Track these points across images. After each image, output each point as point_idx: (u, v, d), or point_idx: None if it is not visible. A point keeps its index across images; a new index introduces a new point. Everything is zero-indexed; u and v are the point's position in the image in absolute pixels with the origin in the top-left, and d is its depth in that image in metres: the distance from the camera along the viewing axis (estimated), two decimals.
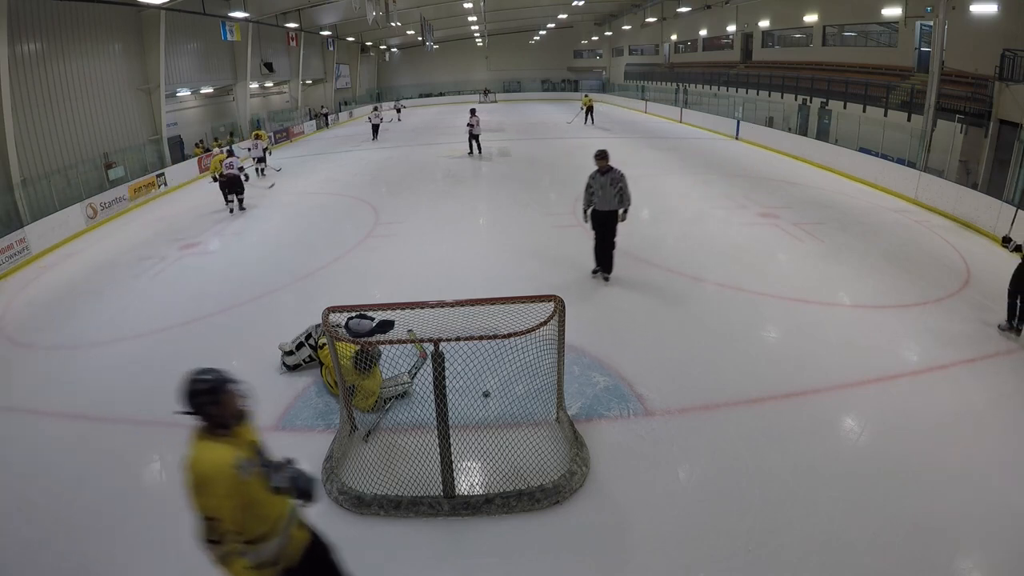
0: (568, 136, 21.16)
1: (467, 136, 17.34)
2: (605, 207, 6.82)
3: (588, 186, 6.87)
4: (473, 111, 17.62)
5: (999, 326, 5.98)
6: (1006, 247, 5.93)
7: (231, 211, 11.96)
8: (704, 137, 20.22)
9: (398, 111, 32.09)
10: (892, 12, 15.84)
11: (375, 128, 22.88)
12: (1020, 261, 5.69)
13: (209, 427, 2.23)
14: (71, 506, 3.91)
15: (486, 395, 4.60)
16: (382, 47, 41.73)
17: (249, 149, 16.04)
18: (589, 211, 6.95)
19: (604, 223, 6.94)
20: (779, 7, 22.16)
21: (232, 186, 11.82)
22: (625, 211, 6.89)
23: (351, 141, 23.12)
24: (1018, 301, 5.75)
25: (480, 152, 17.29)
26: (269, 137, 18.62)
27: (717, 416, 4.55)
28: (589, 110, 25.01)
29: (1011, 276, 5.77)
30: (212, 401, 2.20)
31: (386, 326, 5.55)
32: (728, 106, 21.31)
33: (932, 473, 3.87)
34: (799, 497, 3.69)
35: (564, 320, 3.92)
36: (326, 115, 29.29)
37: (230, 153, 12.66)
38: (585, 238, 9.08)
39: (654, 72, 34.36)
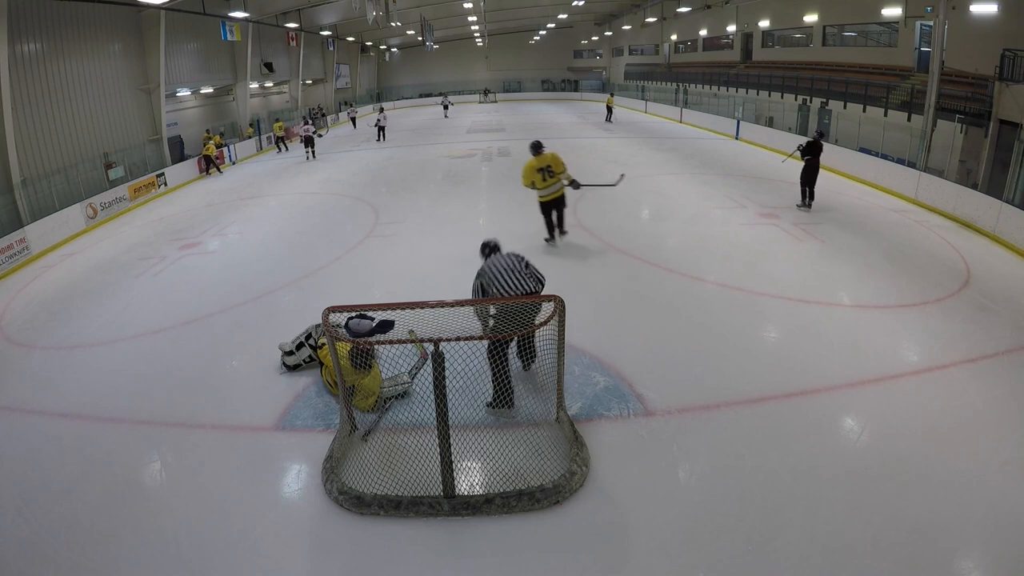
0: (568, 136, 21.18)
1: (376, 127, 22.48)
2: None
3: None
4: (381, 108, 25.04)
5: (796, 204, 10.29)
6: (798, 154, 10.16)
7: (307, 158, 18.70)
8: (704, 137, 20.21)
9: (446, 108, 31.77)
10: (892, 12, 15.84)
11: (353, 120, 28.99)
12: (804, 164, 9.93)
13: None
14: (70, 506, 3.91)
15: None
16: (382, 47, 41.71)
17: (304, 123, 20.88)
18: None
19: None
20: (779, 7, 22.17)
21: (308, 142, 18.90)
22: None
23: (351, 141, 23.13)
24: (805, 189, 10.10)
25: (384, 140, 22.04)
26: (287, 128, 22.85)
27: (717, 416, 4.55)
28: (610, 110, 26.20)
29: (801, 172, 10.05)
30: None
31: (386, 326, 5.55)
32: (728, 106, 21.30)
33: (932, 473, 3.87)
34: (799, 497, 3.69)
35: (564, 320, 3.91)
36: (323, 114, 29.22)
37: (307, 121, 20.34)
38: (587, 236, 9.12)
39: (654, 72, 34.36)
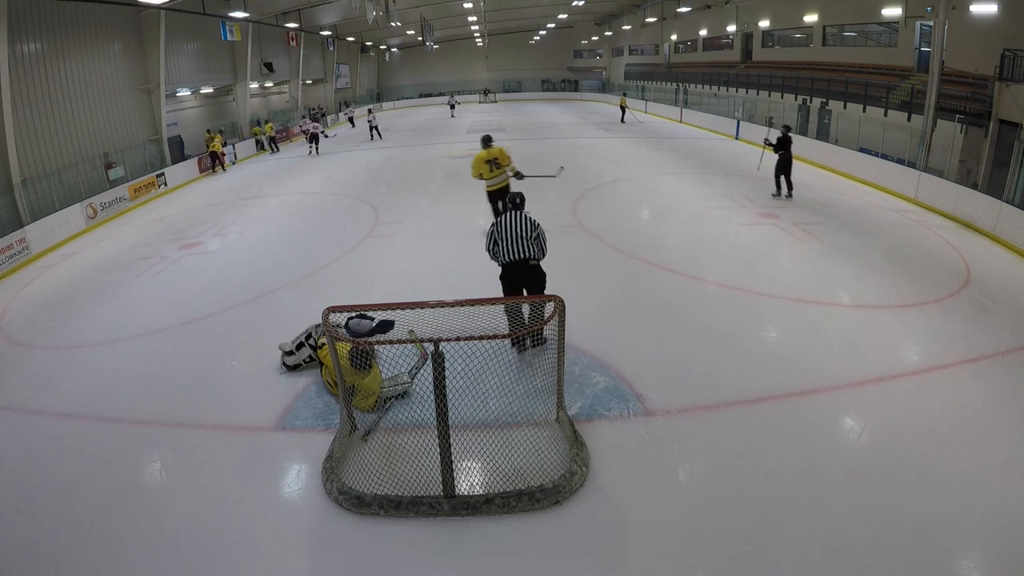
0: (569, 136, 21.18)
1: (369, 127, 23.39)
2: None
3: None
4: (370, 110, 26.43)
5: (772, 194, 11.02)
6: (770, 148, 10.92)
7: (309, 153, 19.80)
8: (704, 137, 20.22)
9: (452, 107, 32.53)
10: (892, 12, 15.83)
11: (352, 119, 28.92)
12: (778, 157, 10.69)
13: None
14: (70, 506, 3.91)
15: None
16: (382, 47, 41.71)
17: (303, 122, 22.78)
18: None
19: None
20: (779, 7, 22.16)
21: (312, 139, 20.01)
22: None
23: (351, 141, 23.14)
24: (780, 179, 10.82)
25: (380, 137, 22.86)
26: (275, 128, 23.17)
27: (717, 416, 4.55)
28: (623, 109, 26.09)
29: (776, 163, 10.80)
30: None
31: (386, 326, 5.56)
32: (728, 106, 21.30)
33: (932, 473, 3.87)
34: (799, 497, 3.69)
35: (564, 320, 3.91)
36: (323, 114, 29.17)
37: (315, 119, 23.28)
38: (587, 236, 9.12)
39: (654, 72, 34.35)
